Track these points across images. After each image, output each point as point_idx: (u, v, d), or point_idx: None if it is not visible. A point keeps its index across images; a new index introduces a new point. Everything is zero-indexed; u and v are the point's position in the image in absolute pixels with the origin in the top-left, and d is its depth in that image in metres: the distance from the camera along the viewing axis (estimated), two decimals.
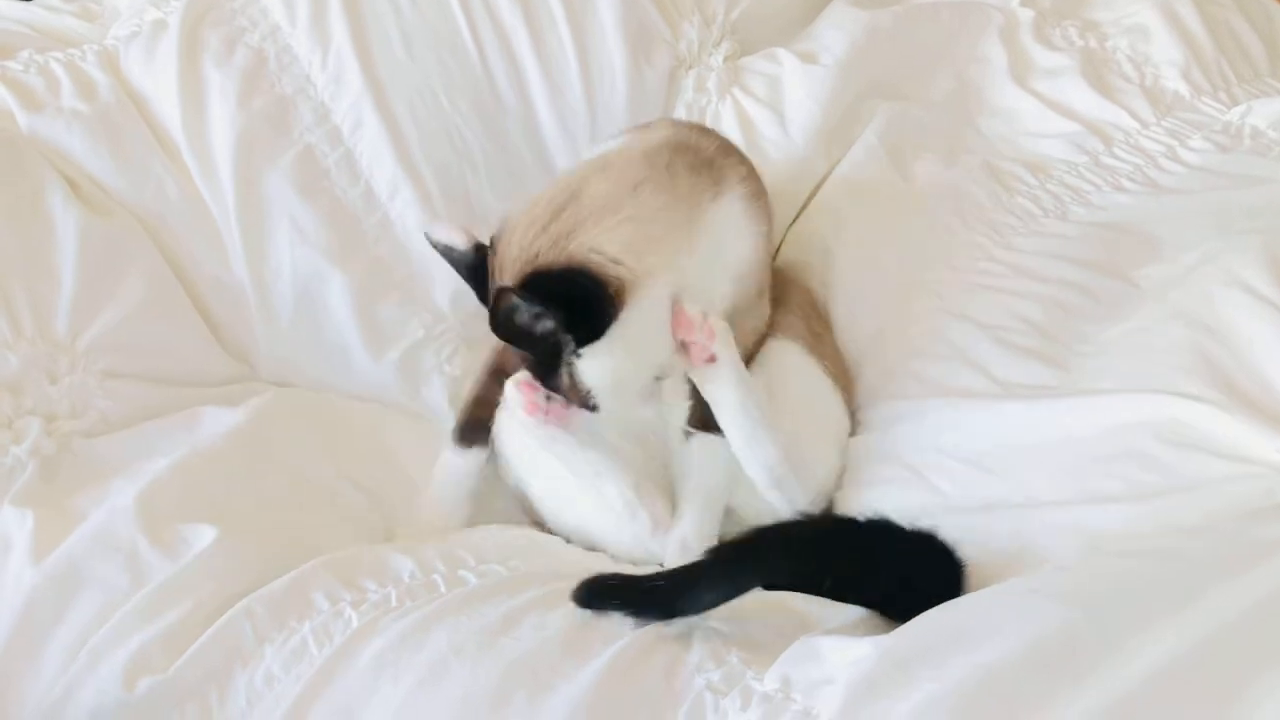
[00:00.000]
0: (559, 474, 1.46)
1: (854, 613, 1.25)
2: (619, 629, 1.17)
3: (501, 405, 1.50)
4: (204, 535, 1.31)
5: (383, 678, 1.14)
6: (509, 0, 1.84)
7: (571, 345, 1.35)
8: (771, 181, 1.78)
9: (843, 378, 1.57)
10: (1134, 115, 1.85)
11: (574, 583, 1.22)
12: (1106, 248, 1.63)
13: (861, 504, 1.44)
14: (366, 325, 1.68)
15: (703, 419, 1.44)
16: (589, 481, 1.43)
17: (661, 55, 1.89)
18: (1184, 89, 1.88)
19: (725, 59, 1.93)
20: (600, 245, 1.35)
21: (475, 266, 1.44)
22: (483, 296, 1.44)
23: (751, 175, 1.52)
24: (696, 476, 1.45)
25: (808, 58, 1.91)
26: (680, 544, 1.38)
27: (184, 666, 1.20)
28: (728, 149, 1.53)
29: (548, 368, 1.38)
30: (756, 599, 1.28)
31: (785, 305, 1.58)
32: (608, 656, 1.13)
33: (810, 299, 1.66)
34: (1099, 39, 1.97)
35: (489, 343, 1.55)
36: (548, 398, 1.41)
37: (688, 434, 1.46)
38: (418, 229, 1.73)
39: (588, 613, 1.19)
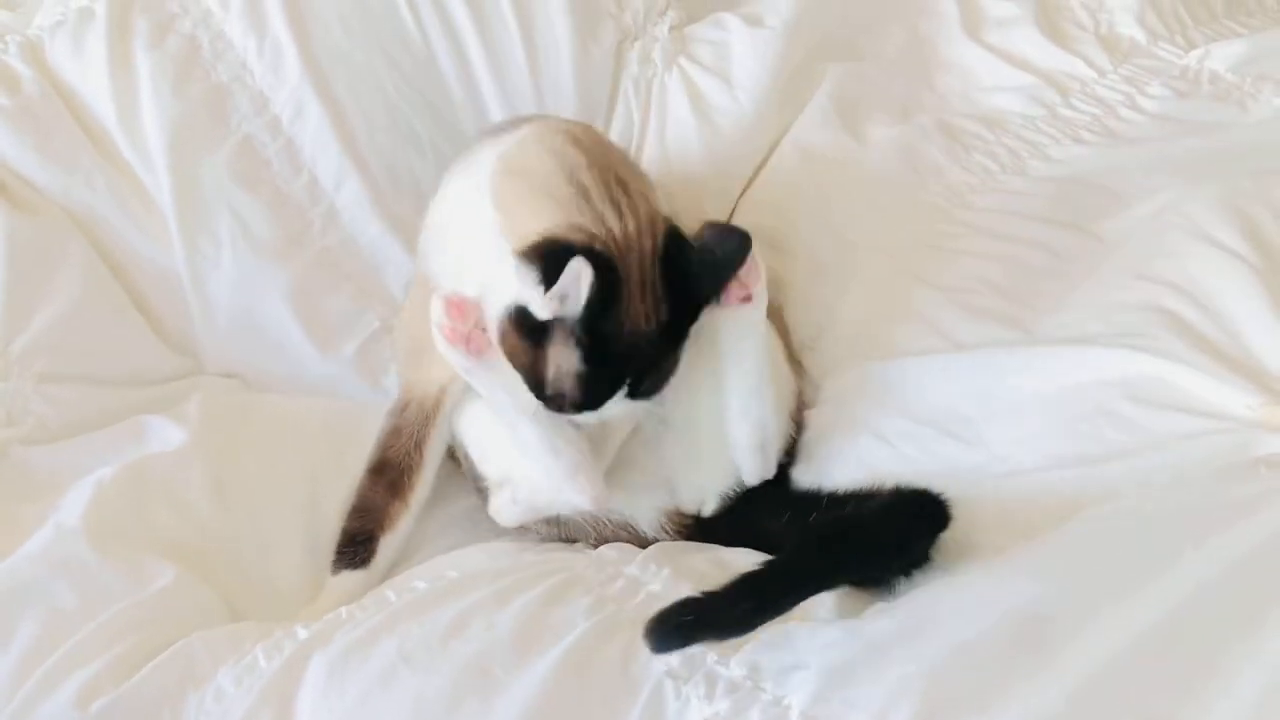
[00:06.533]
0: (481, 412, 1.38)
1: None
2: (571, 621, 1.14)
3: None
4: (163, 572, 1.28)
5: (330, 688, 1.12)
6: None
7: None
8: (723, 148, 1.76)
9: (785, 335, 1.52)
10: (1090, 64, 1.81)
11: (523, 577, 1.20)
12: (1067, 202, 1.60)
13: (829, 477, 1.40)
14: (314, 320, 1.64)
15: None
16: (506, 419, 1.32)
17: (607, 30, 1.84)
18: (1140, 34, 1.85)
19: (671, 28, 1.87)
20: (664, 205, 1.32)
21: (600, 274, 1.20)
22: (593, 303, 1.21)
23: None
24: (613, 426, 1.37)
25: (754, 21, 1.86)
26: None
27: (137, 685, 1.16)
28: None
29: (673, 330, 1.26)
30: (719, 575, 1.25)
31: None
32: (560, 650, 1.10)
33: None
34: None
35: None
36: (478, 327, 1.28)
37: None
38: (366, 218, 1.70)
39: (538, 607, 1.16)
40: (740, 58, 1.82)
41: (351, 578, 1.38)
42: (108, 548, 1.29)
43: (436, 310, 1.26)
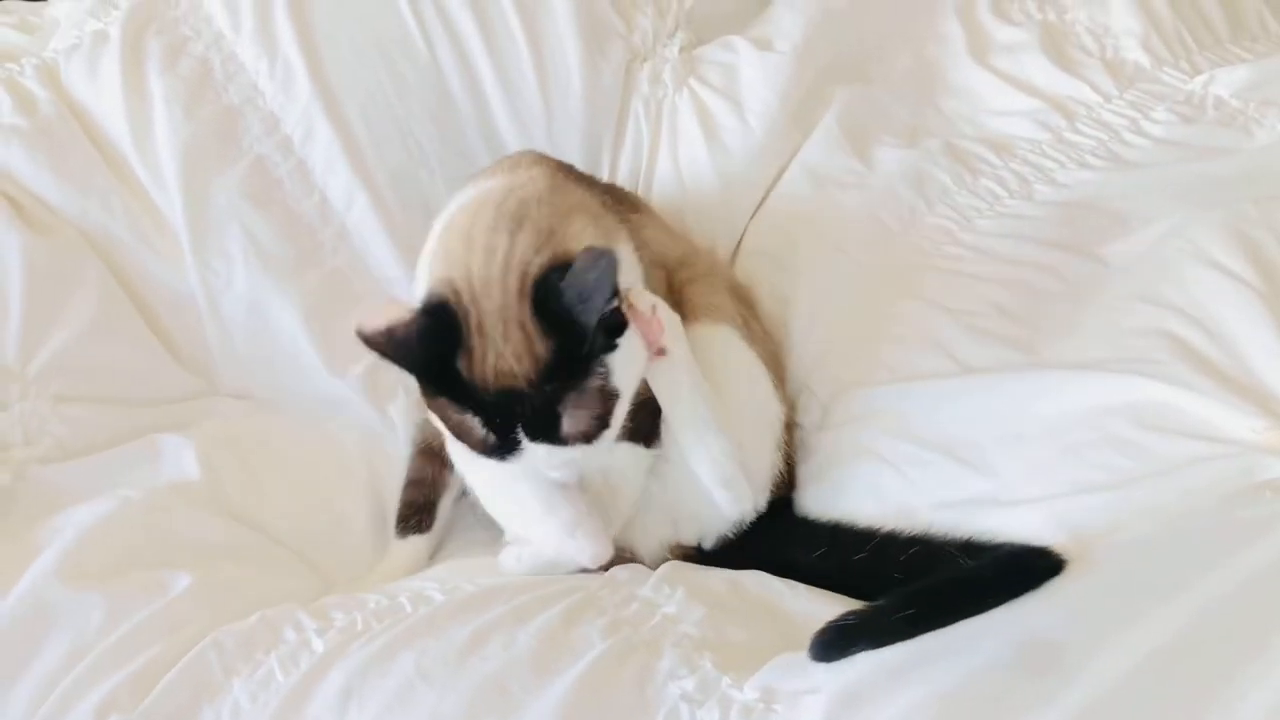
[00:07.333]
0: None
1: (832, 608, 1.22)
2: (588, 642, 1.15)
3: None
4: (179, 580, 1.29)
5: (349, 704, 1.12)
6: None
7: (601, 340, 1.19)
8: (733, 169, 1.78)
9: (773, 363, 1.51)
10: (1095, 89, 1.82)
11: (540, 595, 1.20)
12: (1073, 226, 1.61)
13: (837, 503, 1.41)
14: (324, 339, 1.65)
15: (629, 429, 1.37)
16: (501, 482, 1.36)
17: (616, 48, 1.86)
18: (1145, 59, 1.86)
19: (680, 50, 1.90)
20: (586, 241, 1.23)
21: (432, 330, 1.21)
22: (429, 362, 1.23)
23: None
24: (620, 483, 1.39)
25: (763, 44, 1.89)
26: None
27: (152, 705, 1.17)
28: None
29: (562, 368, 1.20)
30: (732, 596, 1.27)
31: (711, 286, 1.51)
32: (577, 671, 1.11)
33: (732, 279, 1.62)
34: (1058, 11, 1.95)
35: (414, 419, 1.55)
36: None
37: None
38: (376, 240, 1.72)
39: (556, 626, 1.17)
40: (749, 81, 1.84)
41: (416, 541, 1.47)
42: (125, 567, 1.30)
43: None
